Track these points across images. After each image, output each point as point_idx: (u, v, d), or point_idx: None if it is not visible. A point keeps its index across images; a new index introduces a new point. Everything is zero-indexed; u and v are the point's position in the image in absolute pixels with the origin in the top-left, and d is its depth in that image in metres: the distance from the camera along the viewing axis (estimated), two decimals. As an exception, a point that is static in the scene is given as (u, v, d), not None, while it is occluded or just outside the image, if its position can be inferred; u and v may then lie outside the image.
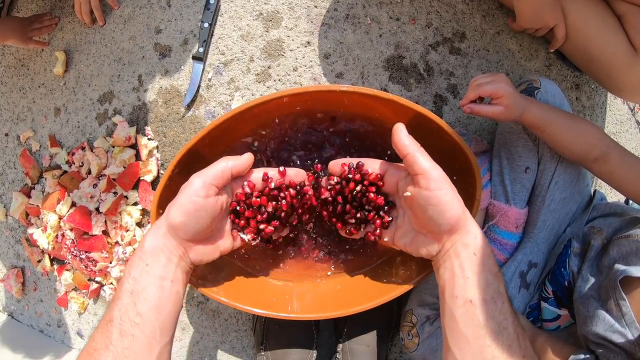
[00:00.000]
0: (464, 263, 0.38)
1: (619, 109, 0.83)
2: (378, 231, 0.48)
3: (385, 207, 0.47)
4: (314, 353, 0.67)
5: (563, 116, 0.55)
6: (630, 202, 0.73)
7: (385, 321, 0.68)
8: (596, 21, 0.60)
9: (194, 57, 0.71)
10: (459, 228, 0.39)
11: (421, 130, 0.52)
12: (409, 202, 0.43)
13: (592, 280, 0.50)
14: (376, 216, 0.47)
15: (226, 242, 0.47)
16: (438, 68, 0.71)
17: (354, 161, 0.47)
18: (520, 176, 0.62)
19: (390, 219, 0.47)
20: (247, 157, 0.45)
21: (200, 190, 0.41)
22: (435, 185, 0.39)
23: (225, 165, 0.43)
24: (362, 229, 0.49)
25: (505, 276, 0.62)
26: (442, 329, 0.40)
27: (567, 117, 0.55)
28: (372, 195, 0.46)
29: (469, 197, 0.54)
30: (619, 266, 0.46)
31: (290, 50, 0.71)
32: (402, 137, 0.42)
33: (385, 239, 0.47)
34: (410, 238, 0.44)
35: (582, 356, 0.46)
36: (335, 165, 0.48)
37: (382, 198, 0.46)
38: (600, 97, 0.79)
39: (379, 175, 0.46)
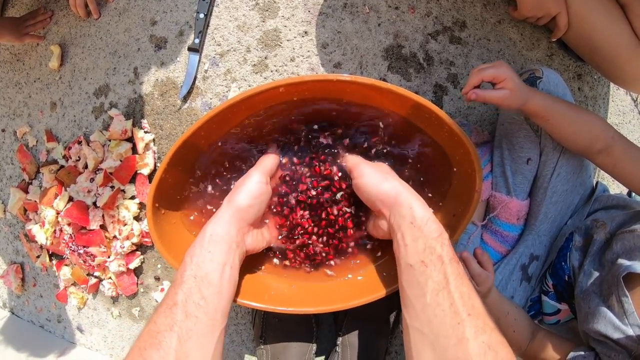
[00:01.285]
0: (405, 233, 0.41)
1: (621, 99, 0.82)
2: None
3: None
4: (314, 346, 0.67)
5: (567, 107, 0.54)
6: (633, 194, 0.72)
7: (385, 314, 0.67)
8: (600, 10, 0.58)
9: (189, 49, 0.70)
10: (395, 203, 0.44)
11: (420, 121, 0.51)
12: (358, 195, 0.50)
13: (594, 275, 0.50)
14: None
15: (266, 234, 0.54)
16: (438, 57, 0.69)
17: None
18: (522, 167, 0.61)
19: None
20: (274, 154, 0.54)
21: (263, 178, 0.49)
22: (358, 174, 0.48)
23: (275, 161, 0.53)
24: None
25: (506, 269, 0.61)
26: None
27: (572, 107, 0.54)
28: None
29: (469, 188, 0.53)
30: (622, 261, 0.45)
31: (288, 40, 0.69)
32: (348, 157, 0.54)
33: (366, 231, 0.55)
34: (372, 222, 0.51)
35: (582, 353, 0.45)
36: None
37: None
38: (603, 88, 0.78)
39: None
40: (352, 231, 0.55)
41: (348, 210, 0.55)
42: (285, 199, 0.55)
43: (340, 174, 0.54)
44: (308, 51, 0.69)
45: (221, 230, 0.45)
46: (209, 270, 0.42)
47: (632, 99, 0.83)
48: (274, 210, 0.56)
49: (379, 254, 0.57)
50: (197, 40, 0.69)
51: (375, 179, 0.47)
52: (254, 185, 0.48)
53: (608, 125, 0.54)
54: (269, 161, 0.52)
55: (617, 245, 0.49)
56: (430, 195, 0.59)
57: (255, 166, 0.52)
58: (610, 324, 0.43)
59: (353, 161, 0.51)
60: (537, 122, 0.56)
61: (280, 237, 0.56)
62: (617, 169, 0.54)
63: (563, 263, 0.58)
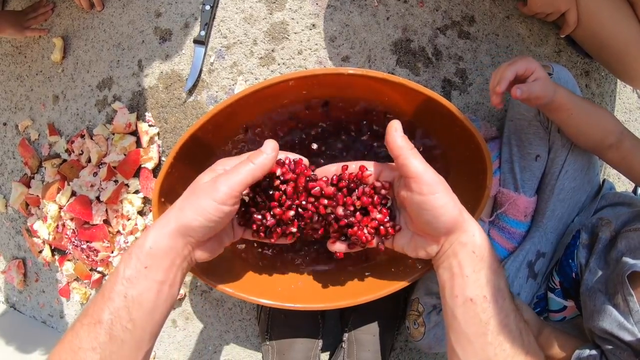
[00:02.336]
0: (463, 262, 0.37)
1: (628, 97, 0.81)
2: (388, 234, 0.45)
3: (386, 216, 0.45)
4: (320, 342, 0.67)
5: (583, 99, 0.54)
6: (639, 191, 0.72)
7: (391, 310, 0.67)
8: (609, 7, 0.58)
9: (195, 41, 0.69)
10: (457, 229, 0.39)
11: (431, 116, 0.51)
12: (404, 206, 0.42)
13: (600, 273, 0.49)
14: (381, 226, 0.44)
15: (230, 235, 0.45)
16: (447, 52, 0.69)
17: (353, 168, 0.45)
18: (531, 164, 0.60)
19: (398, 226, 0.44)
20: (271, 156, 0.40)
21: (228, 200, 0.37)
22: (428, 189, 0.37)
23: (253, 170, 0.38)
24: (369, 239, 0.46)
25: (513, 265, 0.61)
26: (445, 328, 0.39)
27: (587, 101, 0.54)
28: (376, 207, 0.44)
29: (479, 185, 0.52)
30: (627, 260, 0.45)
31: (295, 33, 0.69)
32: (396, 137, 0.39)
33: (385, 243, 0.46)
34: (408, 239, 0.43)
35: (588, 352, 0.45)
36: (327, 172, 0.46)
37: (386, 212, 0.44)
38: (610, 85, 0.78)
39: (382, 185, 0.43)
40: (369, 239, 0.45)
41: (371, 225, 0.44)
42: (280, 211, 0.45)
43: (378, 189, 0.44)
44: (316, 44, 0.69)
45: (164, 242, 0.37)
46: (143, 289, 0.36)
47: (638, 97, 0.82)
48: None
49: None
50: (202, 33, 0.68)
51: (446, 200, 0.38)
52: (212, 207, 0.37)
53: (617, 121, 0.54)
54: (247, 172, 0.38)
55: (621, 243, 0.48)
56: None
57: (226, 176, 0.38)
58: (615, 322, 0.43)
59: (416, 170, 0.38)
60: (559, 116, 0.54)
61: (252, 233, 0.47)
62: (624, 163, 0.54)
63: (570, 260, 0.57)
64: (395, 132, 0.39)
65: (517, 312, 0.37)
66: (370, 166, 0.44)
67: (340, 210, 0.43)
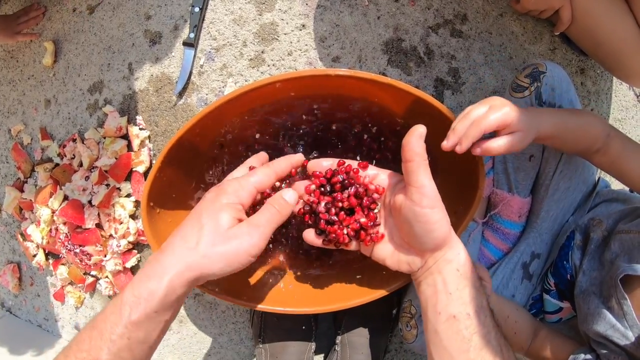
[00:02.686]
0: (447, 279, 0.37)
1: (624, 94, 0.80)
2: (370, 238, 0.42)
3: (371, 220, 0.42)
4: (313, 345, 0.66)
5: (569, 114, 0.50)
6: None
7: (384, 312, 0.66)
8: (604, 4, 0.57)
9: (184, 43, 0.69)
10: (444, 245, 0.38)
11: (421, 116, 0.50)
12: (395, 215, 0.40)
13: (593, 274, 0.49)
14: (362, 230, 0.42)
15: None
16: (439, 51, 0.68)
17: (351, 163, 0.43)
18: (524, 164, 0.60)
19: (382, 233, 0.42)
20: (293, 204, 0.41)
21: (257, 248, 0.37)
22: (428, 202, 0.36)
23: (279, 217, 0.39)
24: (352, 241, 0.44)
25: (507, 267, 0.61)
26: (427, 344, 0.38)
27: (573, 113, 0.51)
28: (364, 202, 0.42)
29: (470, 186, 0.52)
30: (621, 263, 0.44)
31: (285, 34, 0.68)
32: (416, 143, 0.37)
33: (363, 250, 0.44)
34: (391, 251, 0.41)
35: (582, 356, 0.45)
36: (317, 166, 0.45)
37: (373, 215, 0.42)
38: (606, 83, 0.77)
39: (376, 188, 0.42)
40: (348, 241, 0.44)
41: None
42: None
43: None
44: (306, 45, 0.68)
45: (181, 290, 0.35)
46: (150, 330, 0.34)
47: (635, 94, 0.81)
48: None
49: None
50: (192, 35, 0.68)
51: (441, 216, 0.37)
52: (247, 262, 0.36)
53: (604, 123, 0.51)
54: (278, 218, 0.39)
55: (615, 245, 0.48)
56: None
57: (260, 229, 0.37)
58: (609, 326, 0.42)
59: (423, 181, 0.37)
60: (544, 143, 0.51)
61: None
62: (614, 166, 0.51)
63: (565, 262, 0.57)
64: (418, 137, 0.37)
65: (497, 329, 0.37)
66: (366, 167, 0.43)
67: (321, 207, 0.42)
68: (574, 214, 0.62)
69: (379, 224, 0.43)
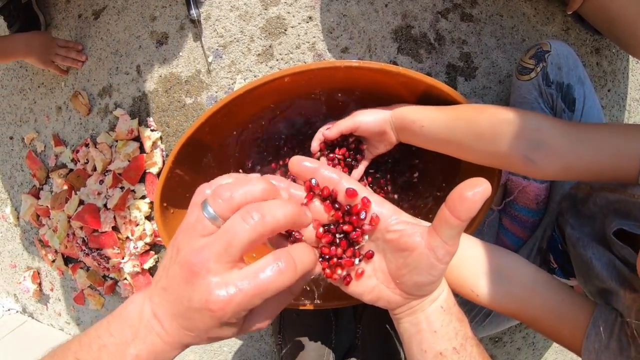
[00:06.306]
0: (431, 317, 0.34)
1: (642, 72, 0.78)
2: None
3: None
4: (333, 340, 0.66)
5: (437, 108, 0.47)
6: None
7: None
8: None
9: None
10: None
11: (435, 104, 0.49)
12: (395, 252, 0.33)
13: (584, 230, 0.48)
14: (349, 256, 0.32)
15: None
16: (449, 37, 0.66)
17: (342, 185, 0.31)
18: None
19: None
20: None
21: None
22: (449, 261, 0.32)
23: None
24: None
25: (523, 253, 0.60)
26: None
27: (443, 108, 0.47)
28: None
29: (487, 175, 0.51)
30: (612, 218, 0.43)
31: (292, 27, 0.67)
32: (479, 205, 0.29)
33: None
34: (371, 287, 0.34)
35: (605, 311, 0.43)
36: (298, 165, 0.31)
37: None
38: (622, 62, 0.74)
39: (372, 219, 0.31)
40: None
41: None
42: None
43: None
44: (314, 37, 0.67)
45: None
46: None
47: (653, 72, 0.79)
48: None
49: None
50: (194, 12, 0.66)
51: (444, 270, 0.32)
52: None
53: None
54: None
55: (600, 200, 0.46)
56: (444, 184, 0.57)
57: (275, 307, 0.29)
58: (604, 272, 0.41)
59: (455, 241, 0.30)
60: (408, 137, 0.50)
61: None
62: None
63: (554, 233, 0.56)
64: (482, 200, 0.29)
65: (484, 354, 0.36)
66: (362, 191, 0.31)
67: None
68: None
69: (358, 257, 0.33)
